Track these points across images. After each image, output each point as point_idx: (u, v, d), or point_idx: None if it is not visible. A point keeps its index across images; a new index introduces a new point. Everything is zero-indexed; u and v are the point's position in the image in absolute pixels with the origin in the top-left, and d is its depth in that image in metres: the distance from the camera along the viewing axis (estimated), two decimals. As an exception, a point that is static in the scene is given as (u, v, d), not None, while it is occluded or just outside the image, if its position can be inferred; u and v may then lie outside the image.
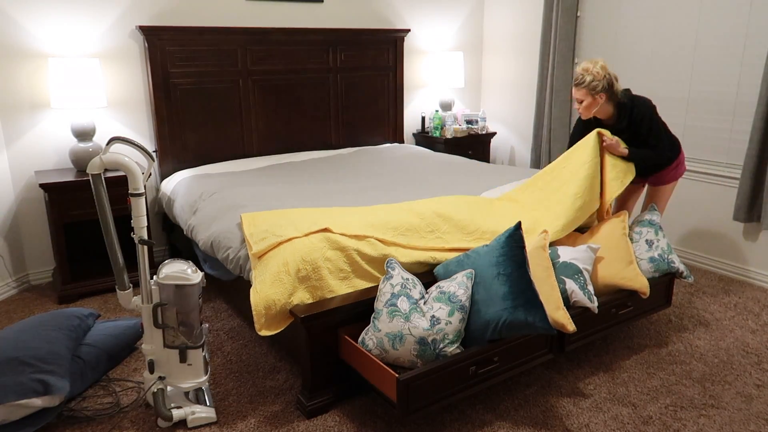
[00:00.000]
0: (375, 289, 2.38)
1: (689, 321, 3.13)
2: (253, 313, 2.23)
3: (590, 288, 2.54)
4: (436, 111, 4.93)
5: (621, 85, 2.94)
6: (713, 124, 3.75)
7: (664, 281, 2.83)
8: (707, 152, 3.81)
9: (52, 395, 2.20)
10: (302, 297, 2.31)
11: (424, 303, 2.24)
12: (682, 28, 3.82)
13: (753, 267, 3.65)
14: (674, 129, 3.95)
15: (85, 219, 3.40)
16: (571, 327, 2.34)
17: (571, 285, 2.50)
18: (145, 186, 2.19)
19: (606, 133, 2.92)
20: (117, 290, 2.28)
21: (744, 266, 3.69)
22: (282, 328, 2.29)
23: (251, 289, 2.29)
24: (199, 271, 2.23)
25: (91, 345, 2.60)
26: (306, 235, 2.42)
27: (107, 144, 2.13)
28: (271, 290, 2.26)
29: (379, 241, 2.51)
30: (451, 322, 2.15)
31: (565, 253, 2.61)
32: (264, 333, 2.26)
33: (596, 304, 2.51)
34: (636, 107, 2.91)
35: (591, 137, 2.93)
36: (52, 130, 3.58)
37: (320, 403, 2.35)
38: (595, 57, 3.06)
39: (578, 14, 4.46)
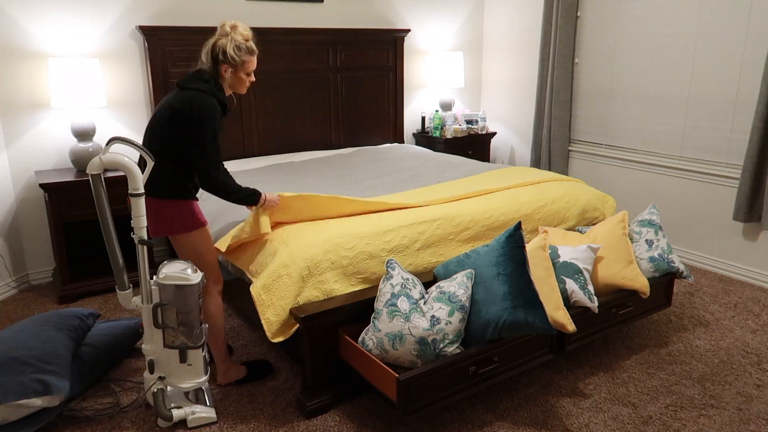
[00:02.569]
0: (375, 289, 2.38)
1: (689, 321, 3.13)
2: (263, 323, 2.24)
3: (590, 288, 2.54)
4: (436, 111, 4.92)
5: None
6: (713, 124, 3.75)
7: (664, 281, 2.83)
8: (707, 152, 3.81)
9: (52, 395, 2.20)
10: (309, 296, 2.31)
11: (424, 303, 2.23)
12: (681, 28, 3.82)
13: (753, 267, 3.64)
14: (674, 129, 3.99)
15: (85, 219, 3.40)
16: (571, 327, 2.34)
17: (571, 285, 2.50)
18: (144, 186, 2.19)
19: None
20: (117, 290, 2.28)
21: (744, 266, 3.69)
22: (293, 331, 2.29)
23: (256, 297, 2.27)
24: (199, 271, 2.23)
25: (91, 345, 2.60)
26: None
27: (107, 144, 2.13)
28: (274, 296, 2.26)
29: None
30: (451, 322, 2.15)
31: (565, 253, 2.61)
32: (277, 340, 2.27)
33: (596, 304, 2.51)
34: None
35: None
36: (52, 130, 3.58)
37: (320, 403, 2.35)
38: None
39: (578, 14, 4.46)
